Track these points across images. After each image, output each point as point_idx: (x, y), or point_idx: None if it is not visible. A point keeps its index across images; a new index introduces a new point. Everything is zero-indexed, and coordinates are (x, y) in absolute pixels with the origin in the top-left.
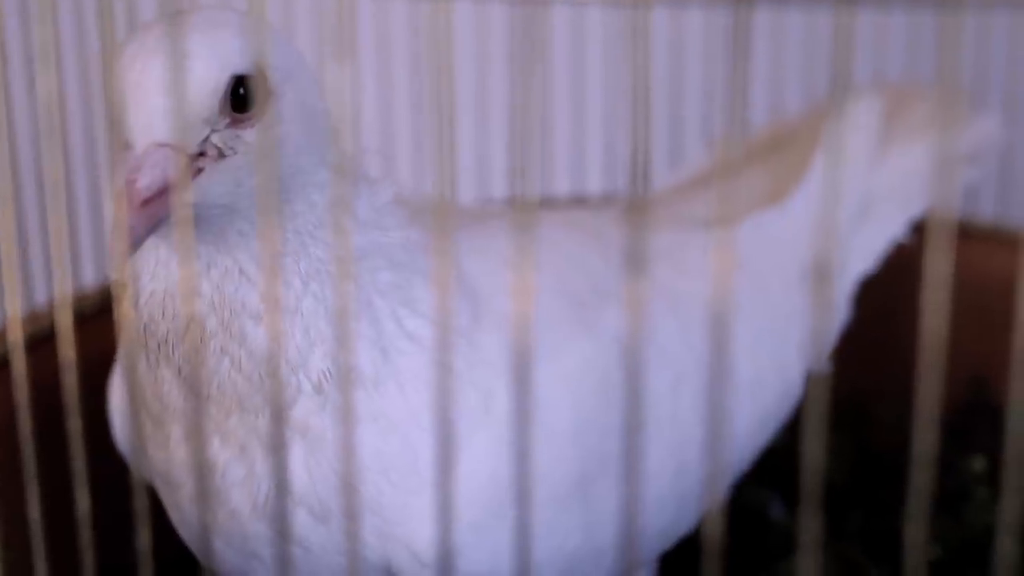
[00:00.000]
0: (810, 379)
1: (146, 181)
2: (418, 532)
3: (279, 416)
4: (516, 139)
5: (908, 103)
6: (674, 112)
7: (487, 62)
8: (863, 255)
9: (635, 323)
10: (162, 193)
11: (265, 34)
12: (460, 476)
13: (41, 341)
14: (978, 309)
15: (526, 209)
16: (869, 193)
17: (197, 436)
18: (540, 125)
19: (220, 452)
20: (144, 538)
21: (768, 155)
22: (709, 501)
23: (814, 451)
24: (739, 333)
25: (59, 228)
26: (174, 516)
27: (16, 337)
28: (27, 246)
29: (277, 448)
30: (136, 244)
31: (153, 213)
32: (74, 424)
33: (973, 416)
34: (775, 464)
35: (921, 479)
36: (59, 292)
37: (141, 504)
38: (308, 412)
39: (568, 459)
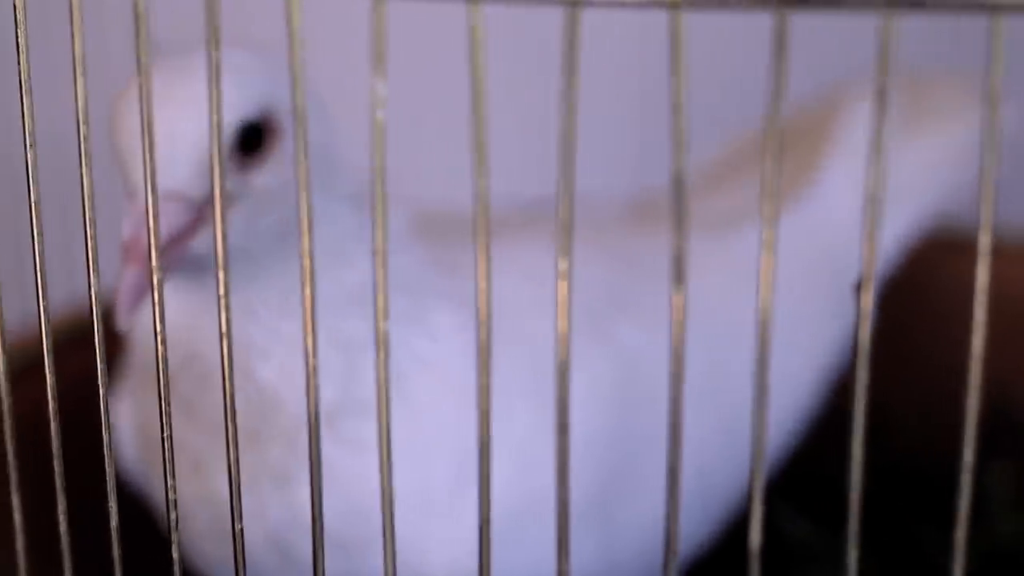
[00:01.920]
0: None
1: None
2: (429, 559)
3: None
4: (557, 161)
5: (923, 94)
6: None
7: (504, 63)
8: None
9: (678, 333)
10: (171, 244)
11: (271, 74)
12: (473, 499)
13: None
14: (997, 319)
15: (564, 229)
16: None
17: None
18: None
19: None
20: (176, 552)
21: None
22: (734, 509)
23: (855, 472)
24: (749, 343)
25: (92, 235)
26: (185, 547)
27: (47, 346)
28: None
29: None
30: (139, 298)
31: (159, 265)
32: (106, 436)
33: (995, 425)
34: (791, 475)
35: (962, 501)
36: (94, 302)
37: (173, 517)
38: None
39: (583, 475)
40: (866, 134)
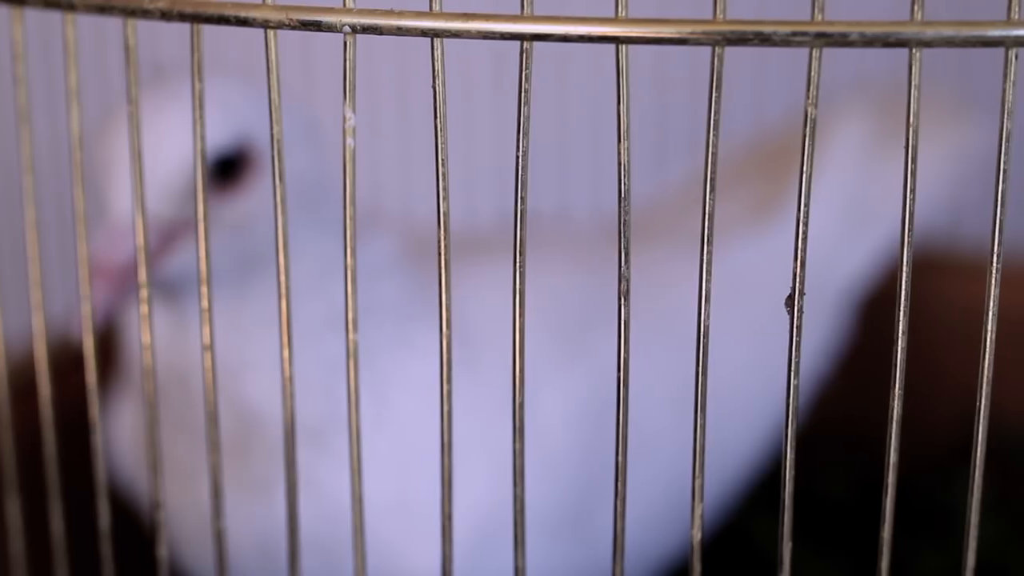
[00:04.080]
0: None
1: (119, 253)
2: (414, 563)
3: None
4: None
5: (898, 110)
6: (658, 133)
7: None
8: (852, 267)
9: (624, 345)
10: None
11: (251, 104)
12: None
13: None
14: (969, 336)
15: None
16: (858, 204)
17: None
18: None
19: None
20: (163, 550)
21: (756, 167)
22: (714, 516)
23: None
24: (728, 356)
25: (83, 255)
26: (175, 554)
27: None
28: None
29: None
30: (104, 314)
31: (123, 285)
32: (96, 441)
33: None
34: (770, 488)
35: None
36: (85, 314)
37: (161, 517)
38: (305, 459)
39: (563, 482)
40: (844, 156)
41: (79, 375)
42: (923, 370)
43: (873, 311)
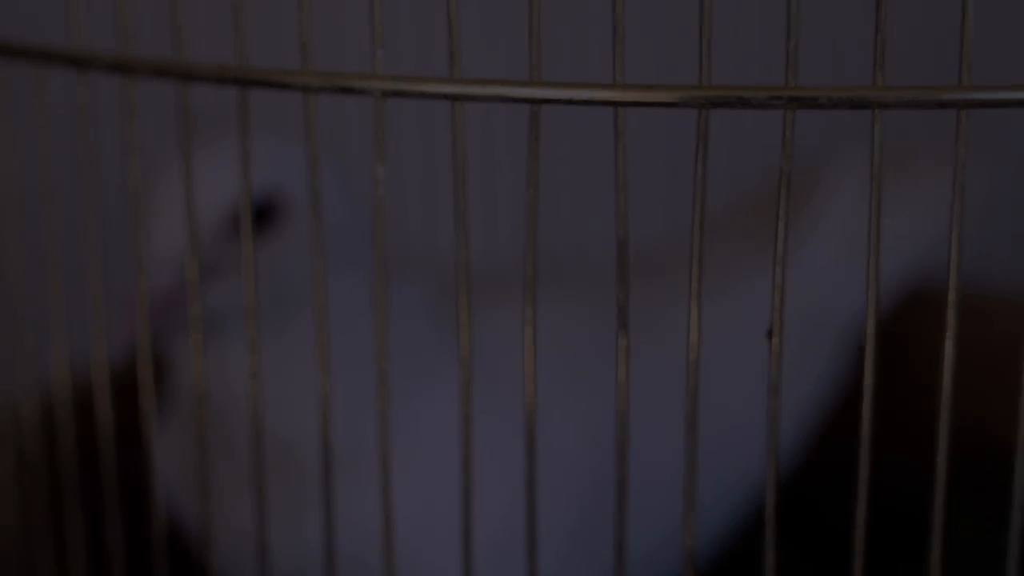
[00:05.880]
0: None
1: (159, 289)
2: (444, 573)
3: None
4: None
5: (902, 161)
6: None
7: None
8: (855, 303)
9: (623, 375)
10: (176, 300)
11: (279, 158)
12: (480, 522)
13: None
14: (981, 368)
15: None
16: (860, 245)
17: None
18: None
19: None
20: (214, 560)
21: (768, 209)
22: (720, 536)
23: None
24: (738, 385)
25: (141, 293)
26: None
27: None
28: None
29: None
30: (146, 347)
31: (165, 319)
32: (150, 456)
33: (976, 464)
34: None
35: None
36: (144, 346)
37: (209, 531)
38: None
39: (573, 501)
40: (847, 200)
41: (122, 403)
42: (925, 399)
43: (877, 344)
